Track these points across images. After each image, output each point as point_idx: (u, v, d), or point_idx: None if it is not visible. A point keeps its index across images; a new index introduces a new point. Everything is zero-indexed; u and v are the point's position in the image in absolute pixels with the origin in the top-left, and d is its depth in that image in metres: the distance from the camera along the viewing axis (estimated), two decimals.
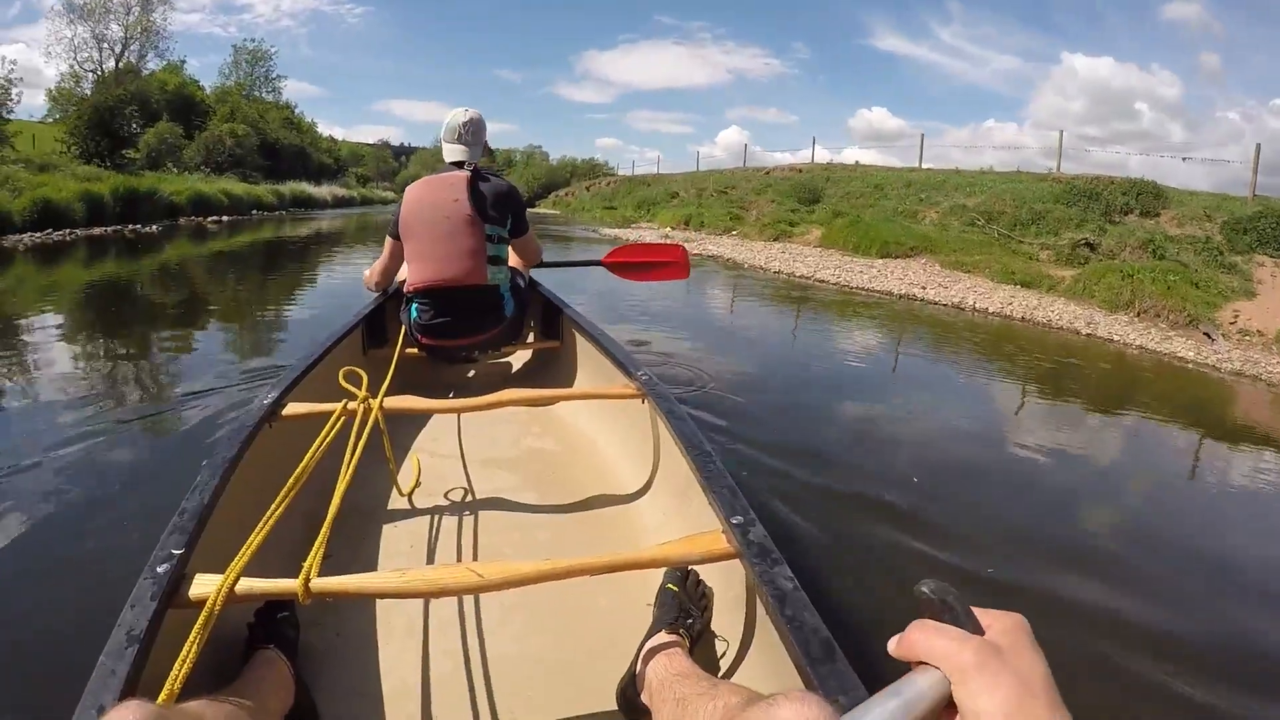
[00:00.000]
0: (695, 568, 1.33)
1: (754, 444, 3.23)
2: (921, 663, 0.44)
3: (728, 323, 7.76)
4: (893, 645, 0.46)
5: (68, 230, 16.82)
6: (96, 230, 17.75)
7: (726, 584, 1.32)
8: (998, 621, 0.45)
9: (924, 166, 20.38)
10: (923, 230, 13.87)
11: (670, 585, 1.31)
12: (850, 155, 27.00)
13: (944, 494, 3.02)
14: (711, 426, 3.37)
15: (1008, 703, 0.39)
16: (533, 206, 41.02)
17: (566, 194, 39.93)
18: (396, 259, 2.80)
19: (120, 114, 25.77)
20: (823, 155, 25.19)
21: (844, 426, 4.08)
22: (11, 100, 21.82)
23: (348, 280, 9.09)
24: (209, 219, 22.74)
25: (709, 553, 1.20)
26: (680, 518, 1.62)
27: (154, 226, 19.02)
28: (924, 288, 9.69)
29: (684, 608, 1.26)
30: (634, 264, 3.33)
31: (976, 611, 0.46)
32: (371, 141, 75.37)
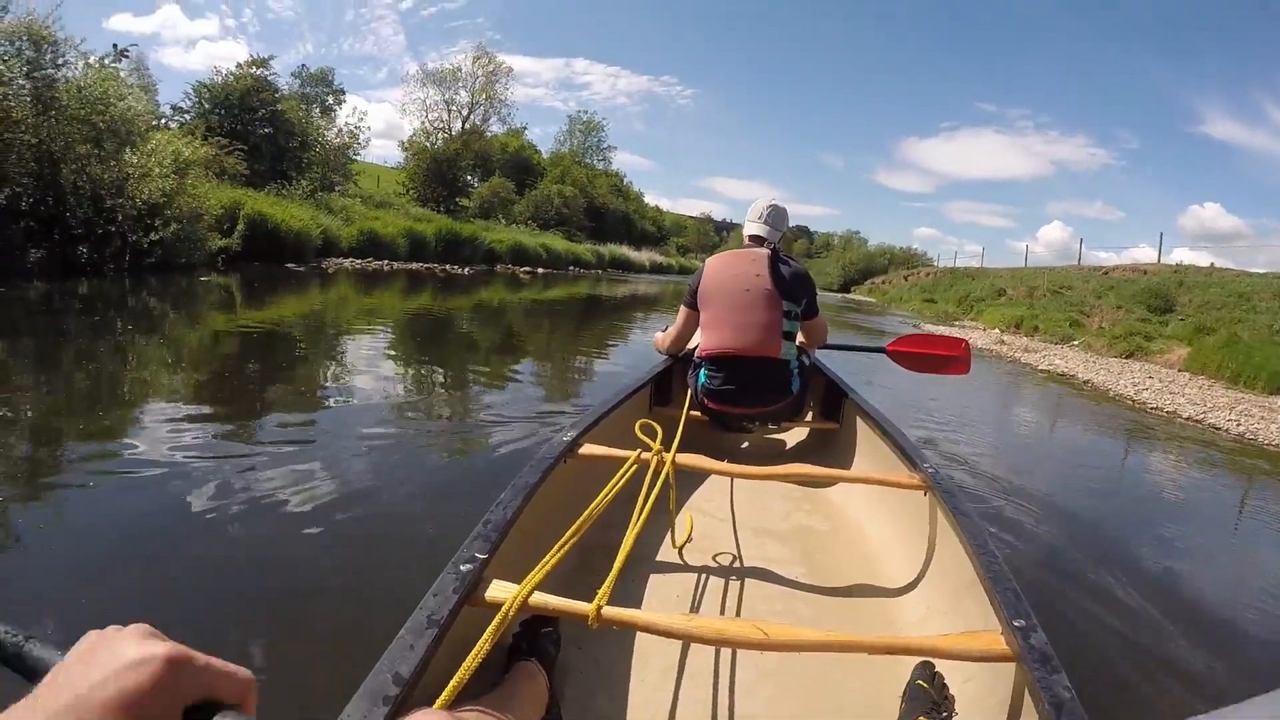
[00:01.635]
0: (945, 669, 1.29)
1: (1037, 556, 2.95)
2: None
3: (1068, 455, 5.65)
4: None
5: (386, 261, 16.81)
6: (414, 265, 17.97)
7: (992, 688, 1.23)
8: None
9: None
10: None
11: (920, 682, 1.26)
12: (1178, 256, 22.09)
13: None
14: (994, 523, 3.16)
15: None
16: (848, 292, 37.60)
17: (883, 282, 37.92)
18: (690, 327, 2.87)
19: (456, 166, 27.03)
20: (1148, 255, 21.12)
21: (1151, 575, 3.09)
22: (359, 144, 23.76)
23: (646, 345, 8.77)
24: (523, 269, 22.00)
25: (986, 652, 1.14)
26: (948, 614, 1.55)
27: (466, 269, 18.79)
28: None
29: (935, 704, 1.22)
30: (917, 354, 3.36)
31: None
32: (694, 214, 76.83)
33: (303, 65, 36.46)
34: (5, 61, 9.71)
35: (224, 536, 2.30)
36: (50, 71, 10.42)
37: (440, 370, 5.98)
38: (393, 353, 6.42)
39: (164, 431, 3.23)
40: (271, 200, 15.21)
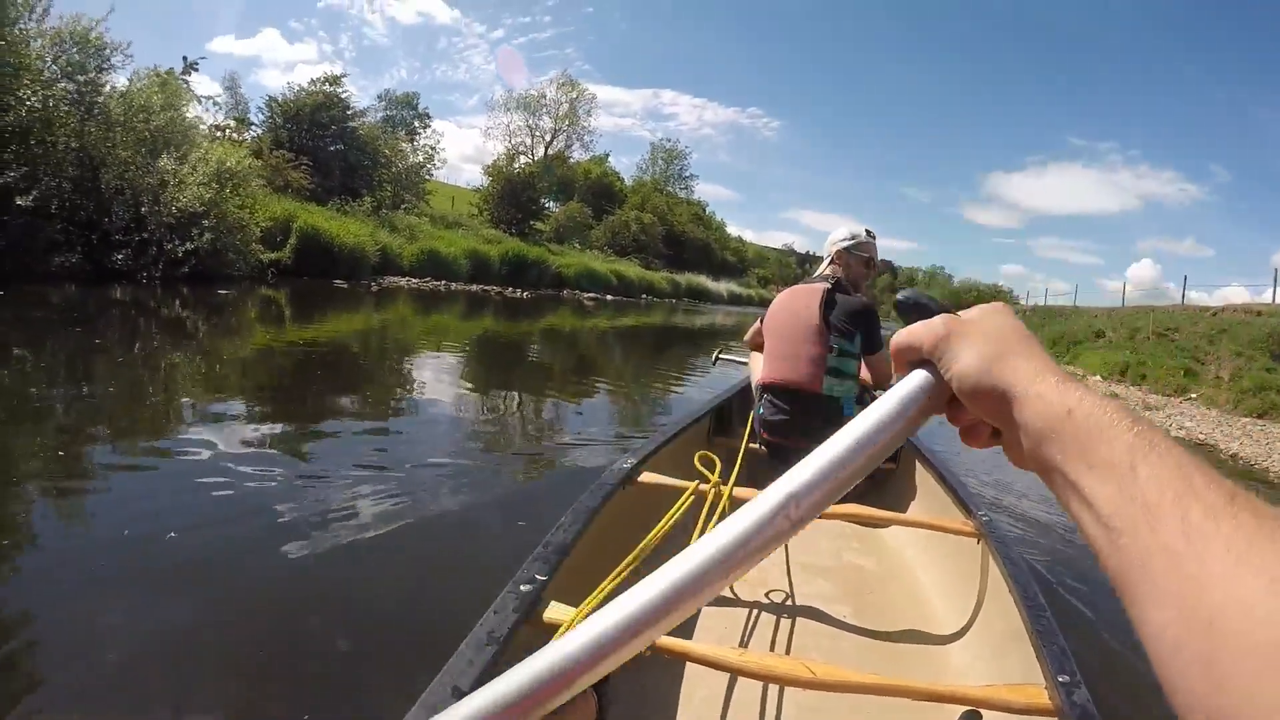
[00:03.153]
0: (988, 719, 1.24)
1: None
2: (923, 360, 0.44)
3: None
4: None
5: (444, 282, 16.17)
6: (473, 287, 17.20)
7: None
8: (976, 308, 0.45)
9: None
10: None
11: None
12: (1267, 296, 19.40)
13: None
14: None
15: (981, 355, 0.40)
16: None
17: None
18: (758, 337, 2.92)
19: (531, 188, 26.81)
20: (1239, 294, 19.46)
21: None
22: (435, 164, 24.31)
23: (711, 379, 8.22)
24: (588, 295, 20.98)
25: (1029, 705, 1.13)
26: (993, 664, 1.54)
27: (525, 293, 17.97)
28: None
29: None
30: None
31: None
32: (777, 246, 75.07)
33: (387, 89, 37.06)
34: (46, 63, 9.44)
35: (295, 551, 2.35)
36: (94, 76, 10.12)
37: (501, 395, 5.94)
38: (451, 377, 6.27)
39: (227, 447, 3.30)
40: (328, 215, 14.70)
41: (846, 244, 2.75)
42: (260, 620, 1.93)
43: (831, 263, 2.76)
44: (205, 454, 3.15)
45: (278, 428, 3.85)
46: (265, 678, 1.72)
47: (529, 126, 35.98)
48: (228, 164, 11.02)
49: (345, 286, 12.04)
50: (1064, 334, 21.08)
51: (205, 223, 10.26)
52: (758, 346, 2.96)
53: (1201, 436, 7.97)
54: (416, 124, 34.90)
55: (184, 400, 4.26)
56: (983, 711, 1.24)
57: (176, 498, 2.71)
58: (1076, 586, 3.04)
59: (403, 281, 14.86)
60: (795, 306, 2.67)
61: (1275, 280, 18.19)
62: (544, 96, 36.21)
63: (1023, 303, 37.40)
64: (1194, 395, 11.86)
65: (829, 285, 2.66)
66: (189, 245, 9.96)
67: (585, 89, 36.90)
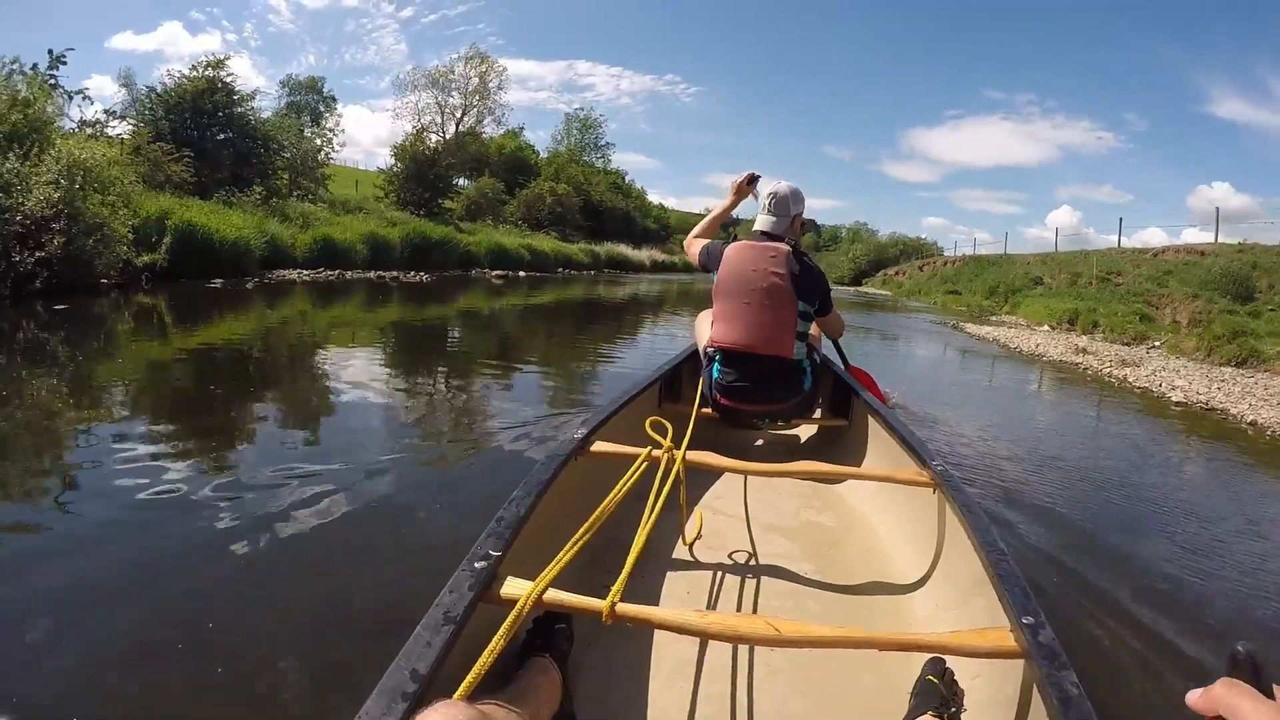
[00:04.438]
0: (955, 665, 1.31)
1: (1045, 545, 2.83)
2: (1219, 718, 0.47)
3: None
4: (1195, 697, 0.49)
5: (337, 271, 15.65)
6: (371, 274, 16.65)
7: (1001, 684, 1.27)
8: None
9: None
10: None
11: (930, 678, 1.28)
12: (1189, 237, 20.02)
13: None
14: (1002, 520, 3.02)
15: None
16: (859, 284, 35.71)
17: (897, 273, 35.27)
18: (703, 261, 2.89)
19: (437, 165, 25.83)
20: (1158, 237, 18.69)
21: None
22: (333, 148, 23.44)
23: (639, 353, 8.03)
24: (496, 273, 20.61)
25: (995, 648, 1.16)
26: (957, 611, 1.58)
27: (423, 276, 17.39)
28: None
29: (944, 699, 1.23)
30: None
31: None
32: (700, 210, 74.93)
33: (290, 74, 35.53)
34: None
35: (229, 558, 2.26)
36: None
37: (424, 383, 5.80)
38: (366, 370, 5.95)
39: (143, 462, 3.09)
40: (209, 208, 13.98)
41: (778, 200, 2.75)
42: (202, 627, 1.86)
43: (772, 214, 2.74)
44: (98, 483, 2.90)
45: (182, 444, 3.58)
46: (210, 683, 1.65)
47: (438, 104, 35.04)
48: (79, 157, 10.28)
49: (218, 286, 11.38)
50: (1000, 282, 21.22)
51: (55, 226, 9.62)
52: (700, 233, 3.08)
53: (1200, 397, 6.60)
54: (322, 108, 33.71)
55: (70, 428, 3.84)
56: (949, 658, 1.26)
57: (88, 523, 2.53)
58: (1033, 529, 3.03)
59: (294, 274, 14.21)
60: (759, 270, 2.59)
61: (1217, 221, 18.12)
62: (452, 72, 35.25)
63: (949, 253, 37.90)
64: (1156, 343, 11.23)
65: (791, 248, 2.63)
66: (39, 254, 9.32)
67: (495, 62, 35.97)
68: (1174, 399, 6.64)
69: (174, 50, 73.57)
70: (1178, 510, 3.54)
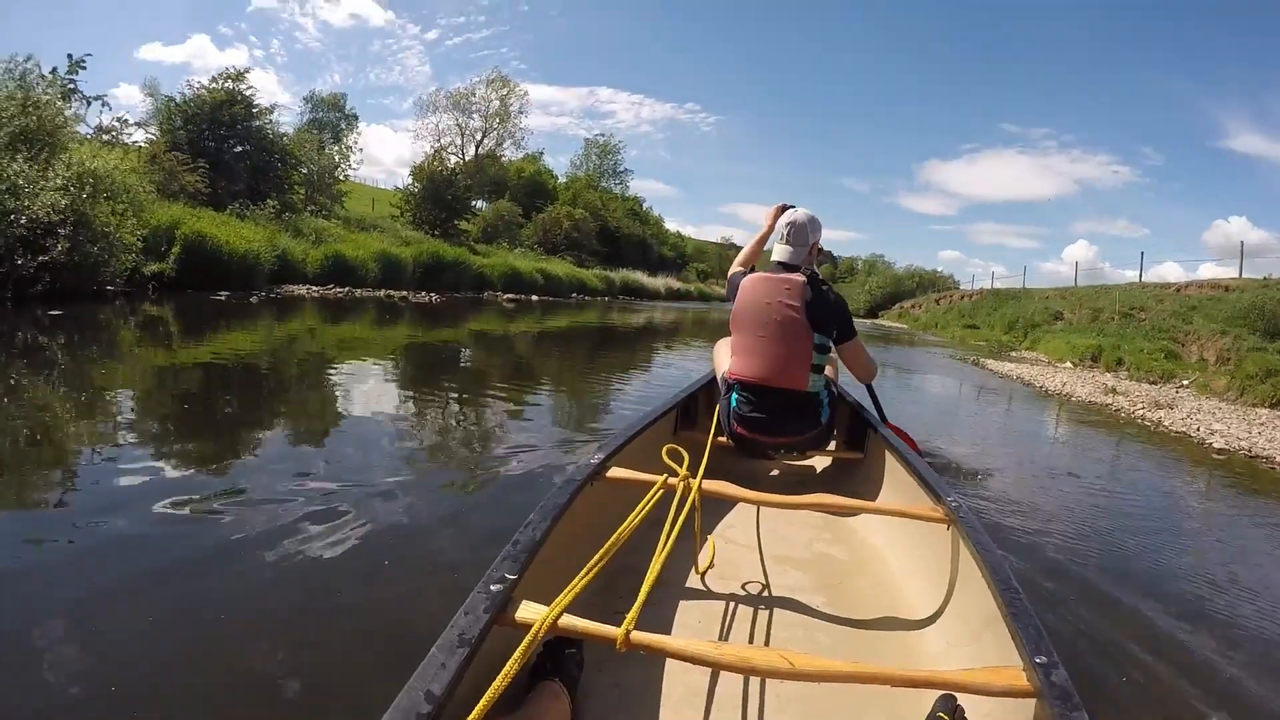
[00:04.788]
0: (966, 703, 1.28)
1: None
2: None
3: None
4: None
5: (347, 289, 15.50)
6: (381, 293, 16.52)
7: None
8: None
9: None
10: None
11: (941, 715, 1.24)
12: (1207, 272, 19.88)
13: None
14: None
15: None
16: (875, 317, 35.45)
17: (913, 306, 34.83)
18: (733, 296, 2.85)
19: (454, 186, 25.86)
20: (1176, 272, 18.07)
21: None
22: (351, 165, 23.74)
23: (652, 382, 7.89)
24: (507, 296, 20.39)
25: (1007, 688, 1.15)
26: (969, 649, 1.56)
27: (433, 297, 17.32)
28: None
29: None
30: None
31: None
32: (716, 239, 74.91)
33: (313, 90, 35.81)
34: None
35: (250, 571, 2.23)
36: None
37: (436, 405, 5.66)
38: (377, 390, 5.93)
39: (132, 487, 2.94)
40: (221, 220, 13.90)
41: (795, 229, 2.72)
42: (209, 648, 1.83)
43: (789, 244, 2.72)
44: (107, 498, 2.80)
45: (192, 461, 3.50)
46: (217, 705, 1.62)
47: (459, 126, 35.30)
48: (90, 165, 10.18)
49: (223, 299, 11.20)
50: (1019, 316, 20.51)
51: (61, 232, 9.48)
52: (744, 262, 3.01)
53: (1242, 444, 5.96)
54: (344, 125, 33.97)
55: (71, 436, 3.73)
56: (960, 695, 1.24)
57: (98, 536, 2.46)
58: (1049, 568, 2.95)
59: (303, 290, 14.07)
60: (769, 300, 2.59)
61: (1240, 256, 17.58)
62: (474, 94, 35.53)
63: (965, 287, 37.50)
64: (1185, 382, 10.56)
65: (806, 278, 2.60)
66: (42, 258, 9.17)
67: (517, 86, 36.29)
68: (1215, 445, 6.05)
69: (201, 63, 74.90)
70: (1218, 571, 3.19)
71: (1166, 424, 7.06)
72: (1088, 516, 3.72)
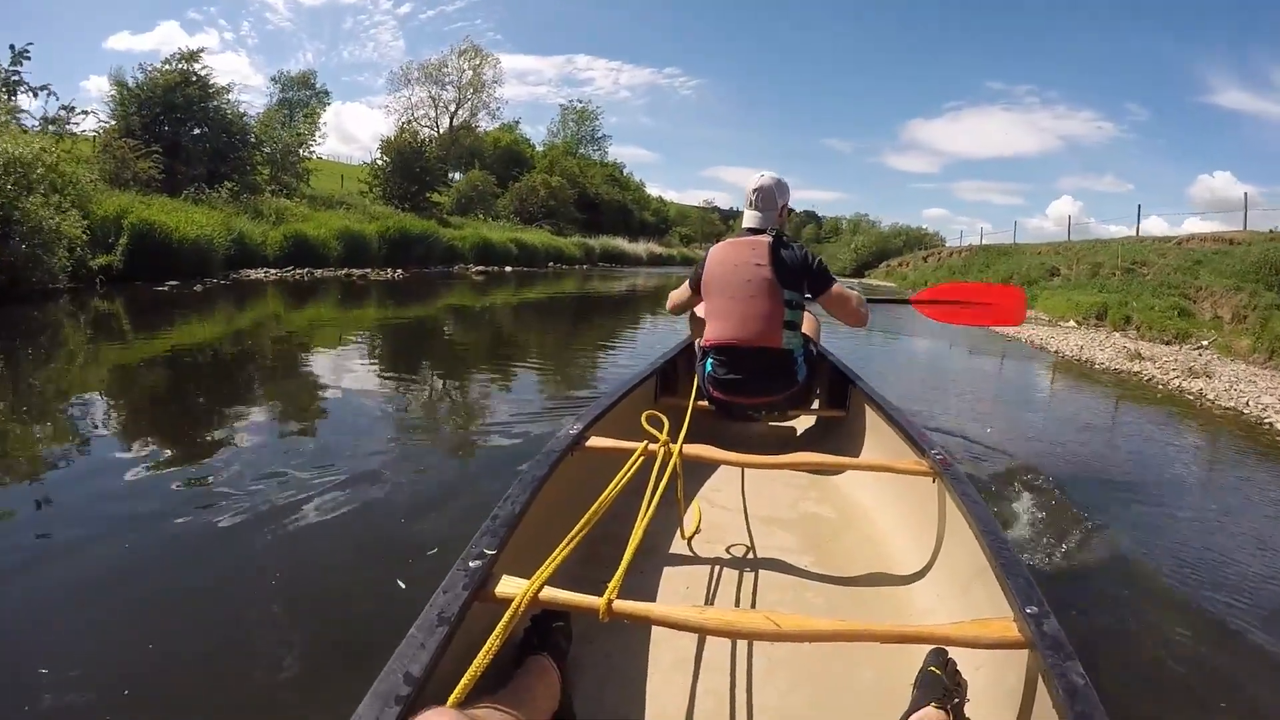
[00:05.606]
0: (958, 656, 1.28)
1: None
2: None
3: None
4: None
5: (307, 270, 15.18)
6: (341, 272, 16.17)
7: (1005, 675, 1.25)
8: None
9: None
10: None
11: (933, 669, 1.25)
12: (1190, 225, 19.13)
13: None
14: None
15: None
16: (862, 276, 35.05)
17: (901, 264, 34.14)
18: (687, 301, 2.92)
19: (423, 158, 25.34)
20: (1159, 226, 17.52)
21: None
22: (315, 140, 22.47)
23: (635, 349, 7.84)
24: (476, 269, 20.14)
25: (998, 639, 1.15)
26: (959, 601, 1.55)
27: (395, 273, 16.87)
28: None
29: (947, 690, 1.21)
30: (952, 302, 3.26)
31: None
32: (699, 203, 74.27)
33: (282, 70, 35.10)
34: None
35: (232, 549, 2.30)
36: None
37: (413, 384, 5.71)
38: (348, 371, 5.85)
39: (104, 481, 2.95)
40: (172, 206, 13.54)
41: (762, 194, 2.73)
42: (190, 633, 1.87)
43: (757, 210, 2.73)
44: (79, 495, 2.83)
45: (162, 450, 3.47)
46: (198, 686, 1.65)
47: (432, 98, 34.64)
48: (14, 152, 9.77)
49: (166, 289, 10.91)
50: (1014, 273, 19.66)
51: None
52: (679, 309, 3.01)
53: None
54: (315, 103, 33.29)
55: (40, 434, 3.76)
56: (952, 649, 1.24)
57: (79, 524, 2.52)
58: (1035, 518, 2.96)
59: (259, 274, 13.76)
60: (741, 264, 2.62)
61: (1245, 207, 16.80)
62: (446, 66, 34.80)
63: (952, 244, 36.82)
64: (1204, 343, 9.73)
65: (771, 238, 2.64)
66: None
67: (490, 55, 35.54)
68: (1278, 425, 5.26)
69: (170, 50, 73.11)
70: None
71: (1210, 397, 6.27)
72: (1160, 526, 3.24)
